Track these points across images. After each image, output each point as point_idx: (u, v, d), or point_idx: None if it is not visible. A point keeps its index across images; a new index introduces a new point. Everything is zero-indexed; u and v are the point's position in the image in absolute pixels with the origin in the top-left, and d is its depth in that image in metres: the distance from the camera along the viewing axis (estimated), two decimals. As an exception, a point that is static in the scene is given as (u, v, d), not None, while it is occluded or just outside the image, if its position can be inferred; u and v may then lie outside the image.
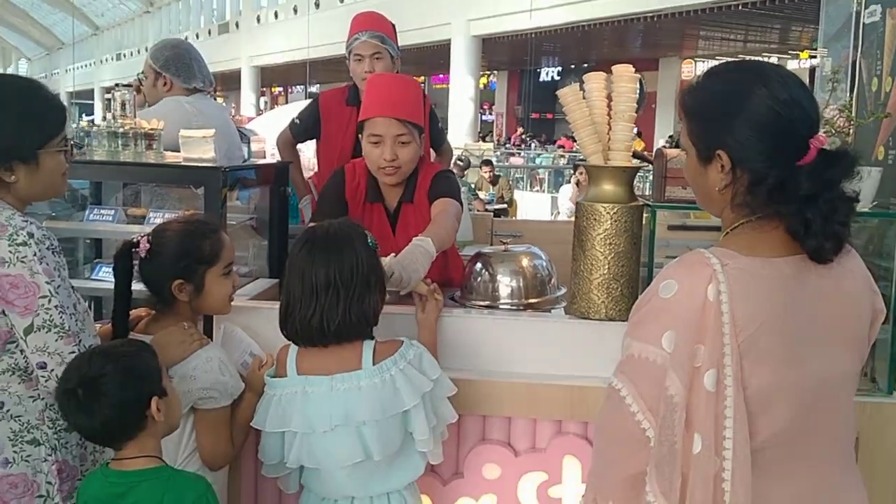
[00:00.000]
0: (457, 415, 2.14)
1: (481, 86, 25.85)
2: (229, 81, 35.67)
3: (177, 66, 3.33)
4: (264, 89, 37.18)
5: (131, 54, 42.40)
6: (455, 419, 2.14)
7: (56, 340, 1.85)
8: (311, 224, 2.68)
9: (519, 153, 22.01)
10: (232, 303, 2.28)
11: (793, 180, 1.43)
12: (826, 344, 1.47)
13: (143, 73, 3.38)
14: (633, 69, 2.36)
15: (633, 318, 1.51)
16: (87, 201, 3.08)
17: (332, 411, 1.99)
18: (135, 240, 2.14)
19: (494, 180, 12.45)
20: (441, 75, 28.83)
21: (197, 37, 38.12)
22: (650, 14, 17.45)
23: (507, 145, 24.86)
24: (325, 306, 1.98)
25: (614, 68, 2.37)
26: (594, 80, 2.39)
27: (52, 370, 1.86)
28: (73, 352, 1.86)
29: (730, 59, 1.55)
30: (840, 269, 1.48)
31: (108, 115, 2.66)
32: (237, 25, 34.14)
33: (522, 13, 18.29)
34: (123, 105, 2.65)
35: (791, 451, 1.46)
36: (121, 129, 2.61)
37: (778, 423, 1.43)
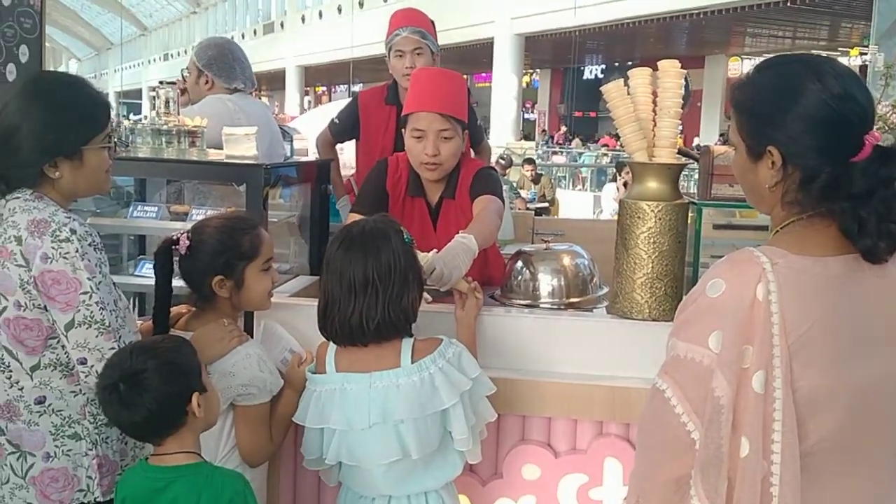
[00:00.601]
0: (496, 414, 2.11)
1: (524, 84, 25.74)
2: (274, 81, 36.01)
3: (219, 66, 3.35)
4: (308, 89, 37.44)
5: (178, 54, 42.95)
6: (494, 418, 2.11)
7: (96, 336, 1.86)
8: (350, 220, 2.68)
9: (561, 152, 21.88)
10: (272, 299, 2.29)
11: (846, 177, 1.38)
12: (880, 346, 1.41)
13: (187, 69, 3.40)
14: (679, 65, 2.32)
15: (679, 317, 1.47)
16: (131, 198, 3.11)
17: (371, 409, 1.97)
18: (175, 237, 2.14)
19: (536, 179, 12.39)
20: (484, 73, 28.77)
21: (242, 37, 38.52)
22: (696, 11, 17.25)
23: (550, 143, 24.73)
24: (364, 305, 1.96)
25: (660, 63, 2.33)
26: (639, 75, 2.35)
27: (93, 366, 1.87)
28: (113, 348, 1.87)
29: (782, 53, 1.50)
30: (894, 269, 1.43)
31: (152, 113, 2.67)
32: (282, 25, 34.45)
33: (566, 10, 18.19)
34: (167, 102, 2.67)
35: (842, 456, 1.41)
36: (164, 127, 2.63)
37: (828, 427, 1.38)
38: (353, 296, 1.97)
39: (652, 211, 2.27)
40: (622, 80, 2.34)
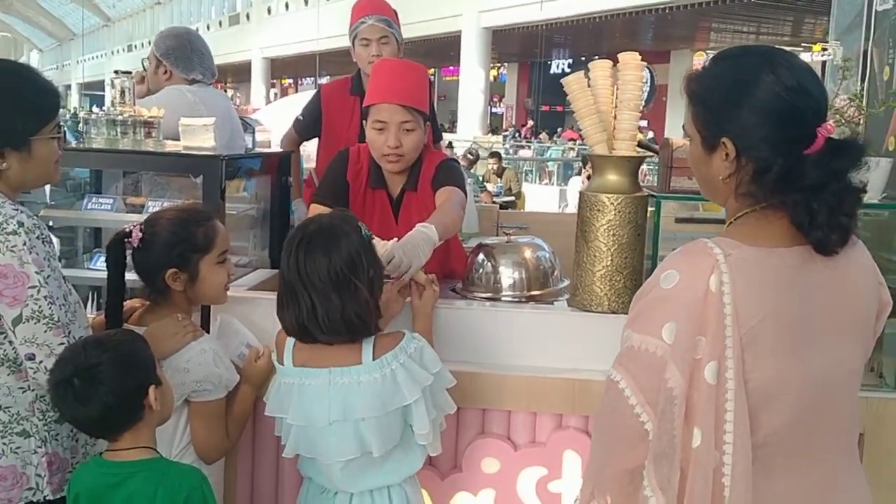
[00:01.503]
0: (455, 406, 2.09)
1: (492, 78, 25.76)
2: (240, 73, 35.71)
3: (177, 56, 3.29)
4: (275, 81, 37.18)
5: (142, 45, 42.40)
6: (454, 410, 2.09)
7: (45, 332, 1.83)
8: (311, 210, 2.65)
9: (528, 146, 21.93)
10: (228, 293, 2.26)
11: (799, 169, 1.38)
12: (831, 337, 1.42)
13: (146, 59, 3.35)
14: (640, 58, 2.32)
15: (634, 308, 1.48)
16: (87, 190, 3.06)
17: (331, 406, 1.93)
18: (127, 229, 2.10)
19: (501, 172, 12.41)
20: (451, 67, 28.75)
21: (208, 28, 38.15)
22: (662, 6, 17.38)
23: (518, 138, 24.78)
24: (325, 303, 1.91)
25: (620, 56, 2.33)
26: (600, 68, 2.35)
27: (41, 361, 1.83)
28: (63, 343, 1.84)
29: (738, 45, 1.50)
30: (846, 261, 1.44)
31: (108, 103, 2.63)
32: (248, 17, 34.18)
33: (533, 4, 18.22)
34: (123, 92, 2.62)
35: (793, 446, 1.42)
36: (119, 117, 2.58)
37: (780, 417, 1.39)
38: (310, 295, 1.92)
39: (611, 203, 2.27)
40: (583, 72, 2.34)
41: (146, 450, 1.83)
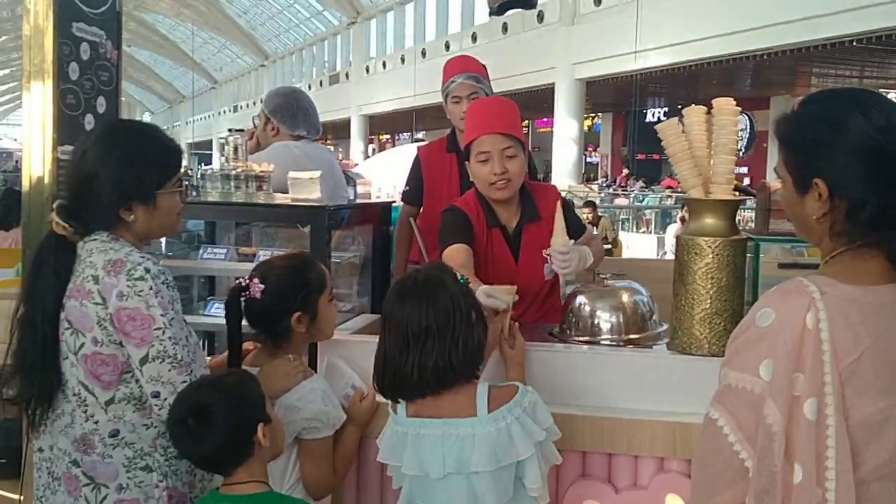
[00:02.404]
0: (561, 458, 2.09)
1: (585, 128, 25.78)
2: (339, 130, 36.62)
3: (283, 113, 3.48)
4: (372, 137, 38.01)
5: (247, 106, 44.12)
6: (559, 461, 2.09)
7: (170, 370, 1.95)
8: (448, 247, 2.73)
9: (625, 194, 21.79)
10: (336, 335, 2.36)
11: (893, 207, 1.40)
12: (933, 373, 1.41)
13: (257, 116, 3.54)
14: (735, 103, 2.34)
15: (730, 347, 1.50)
16: (201, 241, 3.23)
17: (446, 458, 1.95)
18: (243, 283, 2.22)
19: (597, 221, 12.37)
20: (545, 119, 28.91)
21: (309, 87, 39.30)
22: (760, 52, 17.10)
23: (613, 187, 24.65)
24: (419, 355, 1.94)
25: (715, 102, 2.36)
26: (694, 114, 2.39)
27: (166, 399, 1.95)
28: (186, 381, 1.95)
29: (827, 88, 1.53)
30: (944, 297, 1.43)
31: (222, 159, 2.79)
32: (347, 76, 35.14)
33: (627, 55, 18.22)
34: (236, 149, 2.79)
35: (897, 484, 1.41)
36: (233, 172, 2.74)
37: (883, 454, 1.39)
38: (408, 348, 1.96)
39: (709, 247, 2.29)
40: (677, 118, 2.38)
41: (259, 484, 1.92)
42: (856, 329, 1.38)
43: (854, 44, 15.31)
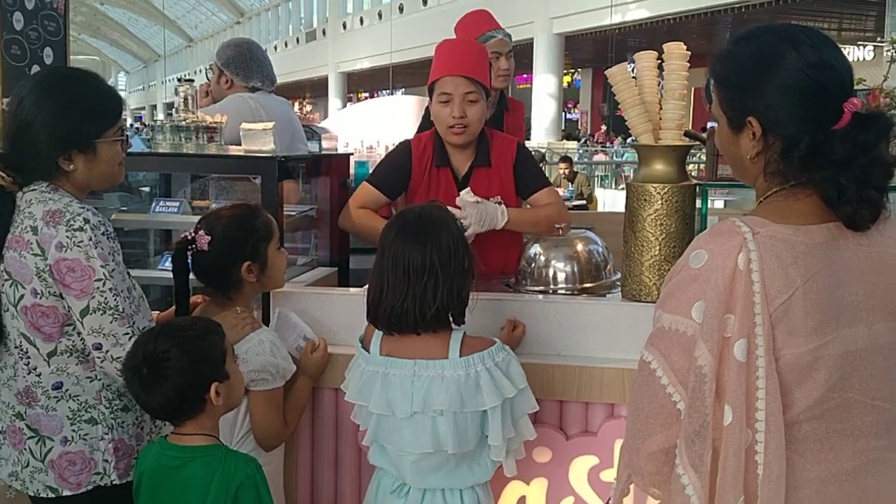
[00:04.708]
0: (535, 433, 2.08)
1: (565, 84, 25.66)
2: (317, 88, 36.32)
3: (236, 65, 3.43)
4: (351, 95, 37.70)
5: (223, 64, 43.49)
6: (533, 437, 2.07)
7: (111, 322, 1.92)
8: (361, 190, 2.76)
9: (604, 150, 21.77)
10: (289, 288, 2.34)
11: (826, 145, 1.39)
12: (865, 313, 1.41)
13: (210, 69, 3.49)
14: (685, 47, 2.32)
15: (664, 289, 1.49)
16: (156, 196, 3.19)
17: (413, 397, 1.95)
18: (189, 236, 2.18)
19: (572, 177, 12.35)
20: (524, 75, 28.72)
21: (286, 45, 38.97)
22: (738, 5, 17.05)
23: (590, 143, 24.61)
24: (421, 292, 1.92)
25: (665, 46, 2.34)
26: (644, 58, 2.37)
27: (108, 351, 1.93)
28: (127, 333, 1.93)
29: (760, 25, 1.50)
30: (879, 237, 1.43)
31: (173, 110, 2.75)
32: (324, 33, 34.76)
33: (606, 8, 18.10)
34: (186, 100, 2.74)
35: (828, 425, 1.41)
36: (183, 123, 2.69)
37: (813, 395, 1.39)
38: (409, 282, 1.93)
39: (658, 193, 2.28)
40: (626, 63, 2.36)
41: (207, 437, 1.90)
42: (787, 269, 1.37)
43: (831, -5, 15.28)
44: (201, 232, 2.17)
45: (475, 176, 2.84)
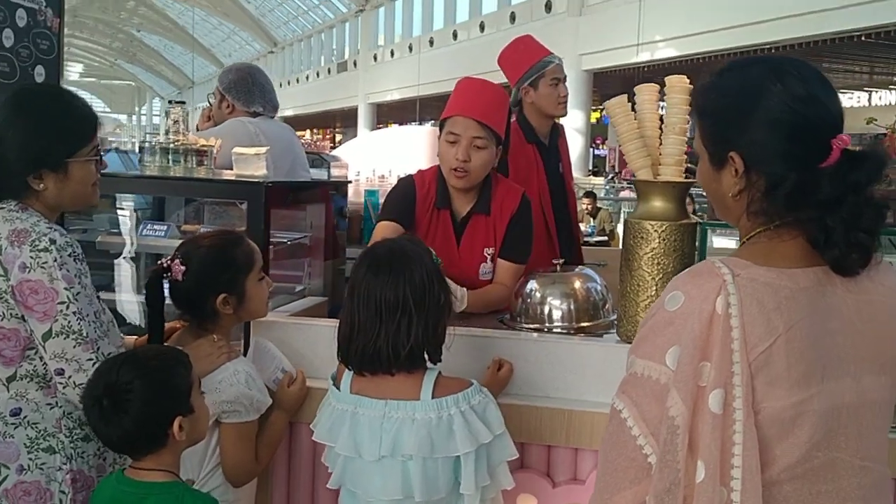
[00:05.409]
0: (514, 482, 1.96)
1: (593, 120, 25.59)
2: (347, 118, 36.55)
3: (238, 90, 3.39)
4: (380, 125, 37.94)
5: (255, 92, 43.98)
6: (511, 486, 1.96)
7: (74, 347, 1.85)
8: (379, 229, 2.62)
9: (629, 186, 21.63)
10: (271, 317, 2.26)
11: (813, 184, 1.29)
12: (853, 365, 1.30)
13: (212, 94, 3.45)
14: (688, 80, 2.24)
15: (639, 332, 1.39)
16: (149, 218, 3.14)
17: (383, 440, 1.84)
18: (164, 264, 2.12)
19: (595, 213, 12.25)
20: (552, 111, 28.72)
21: (318, 75, 39.33)
22: (768, 46, 16.93)
23: (617, 180, 24.50)
24: (394, 330, 1.82)
25: (667, 79, 2.26)
26: (645, 91, 2.29)
27: (70, 377, 1.86)
28: (91, 359, 1.86)
29: (745, 56, 1.42)
30: (870, 284, 1.33)
31: (162, 132, 2.70)
32: (355, 64, 35.04)
33: (633, 47, 18.08)
34: (176, 122, 2.69)
35: (812, 486, 1.30)
36: (171, 145, 2.64)
37: (796, 453, 1.28)
38: (381, 320, 1.83)
39: (655, 231, 2.18)
40: (625, 96, 2.28)
41: (166, 473, 1.81)
42: (769, 315, 1.27)
43: (863, 38, 15.14)
44: (177, 261, 2.10)
45: (472, 222, 2.74)
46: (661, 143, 2.25)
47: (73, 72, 66.11)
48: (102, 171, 2.06)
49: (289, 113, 40.70)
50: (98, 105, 71.59)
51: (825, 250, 1.29)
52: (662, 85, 2.28)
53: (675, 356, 1.29)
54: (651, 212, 2.22)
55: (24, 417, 1.90)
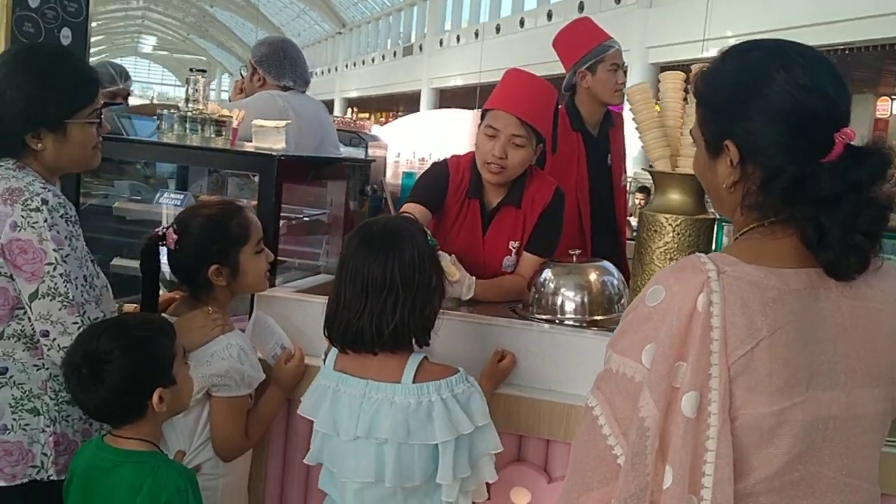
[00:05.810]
0: (496, 476, 1.90)
1: (657, 115, 25.25)
2: (410, 102, 36.56)
3: (268, 63, 3.37)
4: (442, 110, 37.94)
5: (322, 73, 44.40)
6: (494, 480, 1.90)
7: (60, 309, 1.84)
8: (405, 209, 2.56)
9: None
10: (276, 292, 2.22)
11: (812, 179, 1.19)
12: (843, 376, 1.21)
13: (244, 67, 3.43)
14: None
15: (619, 326, 1.31)
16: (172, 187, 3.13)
17: (360, 420, 1.80)
18: (160, 232, 2.11)
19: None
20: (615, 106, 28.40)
21: (383, 58, 39.40)
22: (843, 46, 16.45)
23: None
24: (380, 309, 1.78)
25: (693, 67, 2.15)
26: (670, 79, 2.20)
27: (55, 339, 1.84)
28: (77, 322, 1.84)
29: (751, 39, 1.31)
30: (867, 290, 1.23)
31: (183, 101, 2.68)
32: (420, 48, 35.01)
33: (699, 42, 17.74)
34: (197, 91, 2.66)
35: (789, 500, 1.21)
36: (189, 114, 2.61)
37: (773, 464, 1.19)
38: (367, 298, 1.79)
39: (670, 224, 2.10)
40: (647, 83, 2.18)
41: (144, 442, 1.80)
42: (753, 317, 1.18)
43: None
44: (172, 229, 2.08)
45: (501, 214, 2.67)
46: (682, 134, 2.15)
47: (146, 44, 67.47)
48: (111, 136, 2.04)
49: (353, 94, 40.91)
50: (169, 78, 72.91)
51: (819, 251, 1.20)
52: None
53: (651, 354, 1.21)
54: (667, 205, 2.13)
55: (10, 377, 1.89)
